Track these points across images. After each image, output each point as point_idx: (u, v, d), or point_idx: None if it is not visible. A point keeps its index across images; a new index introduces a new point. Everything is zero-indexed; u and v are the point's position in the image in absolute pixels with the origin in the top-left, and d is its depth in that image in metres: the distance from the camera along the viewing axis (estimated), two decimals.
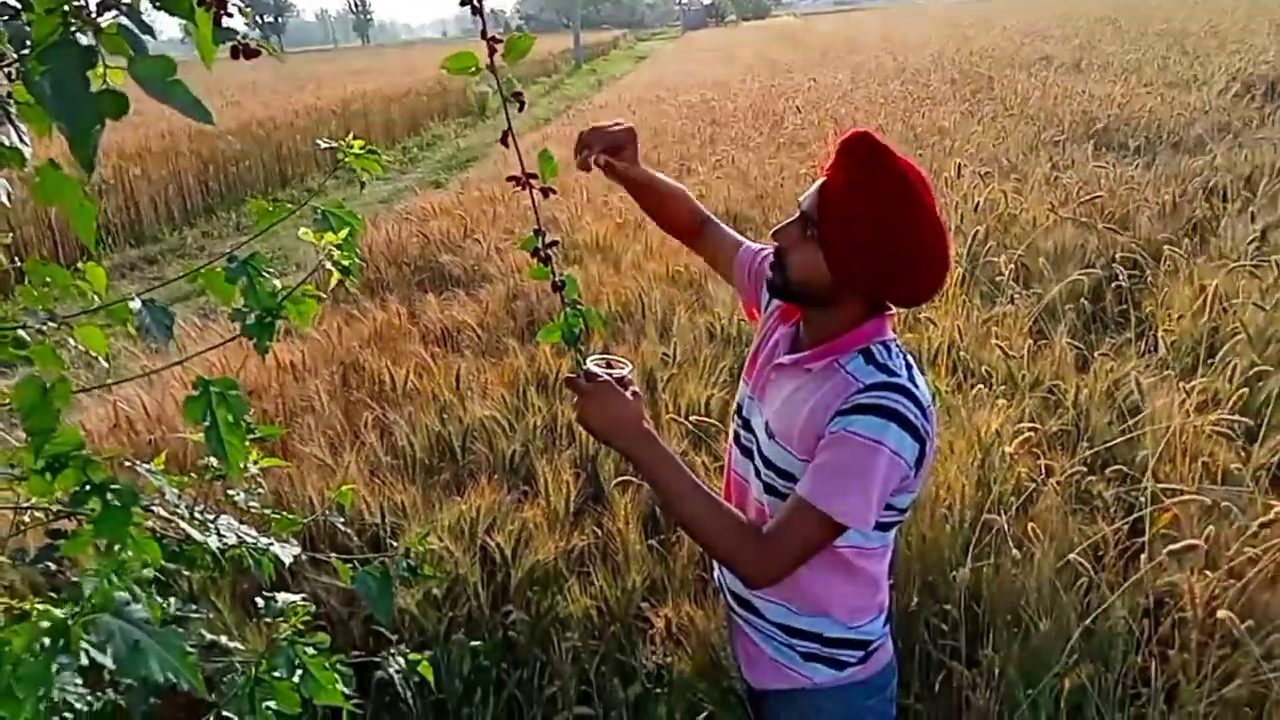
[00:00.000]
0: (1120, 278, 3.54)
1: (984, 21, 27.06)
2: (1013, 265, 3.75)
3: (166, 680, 0.83)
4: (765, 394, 1.37)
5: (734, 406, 1.50)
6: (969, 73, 12.16)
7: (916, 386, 1.22)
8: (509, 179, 1.24)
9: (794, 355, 1.32)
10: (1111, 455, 2.46)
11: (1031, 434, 2.31)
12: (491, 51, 1.13)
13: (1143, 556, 1.93)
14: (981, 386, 2.74)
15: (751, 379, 1.43)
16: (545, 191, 1.23)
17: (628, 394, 1.31)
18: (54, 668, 0.79)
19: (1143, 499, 2.07)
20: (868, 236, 1.19)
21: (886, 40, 22.57)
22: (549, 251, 1.26)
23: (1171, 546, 1.76)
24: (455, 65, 1.15)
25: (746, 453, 1.42)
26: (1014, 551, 2.02)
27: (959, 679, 2.00)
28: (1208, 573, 1.86)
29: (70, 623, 0.82)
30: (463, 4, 1.15)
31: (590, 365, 1.33)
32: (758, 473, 1.36)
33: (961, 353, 3.04)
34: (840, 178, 1.22)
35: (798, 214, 1.27)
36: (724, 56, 24.43)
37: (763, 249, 1.53)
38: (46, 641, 0.80)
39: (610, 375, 1.31)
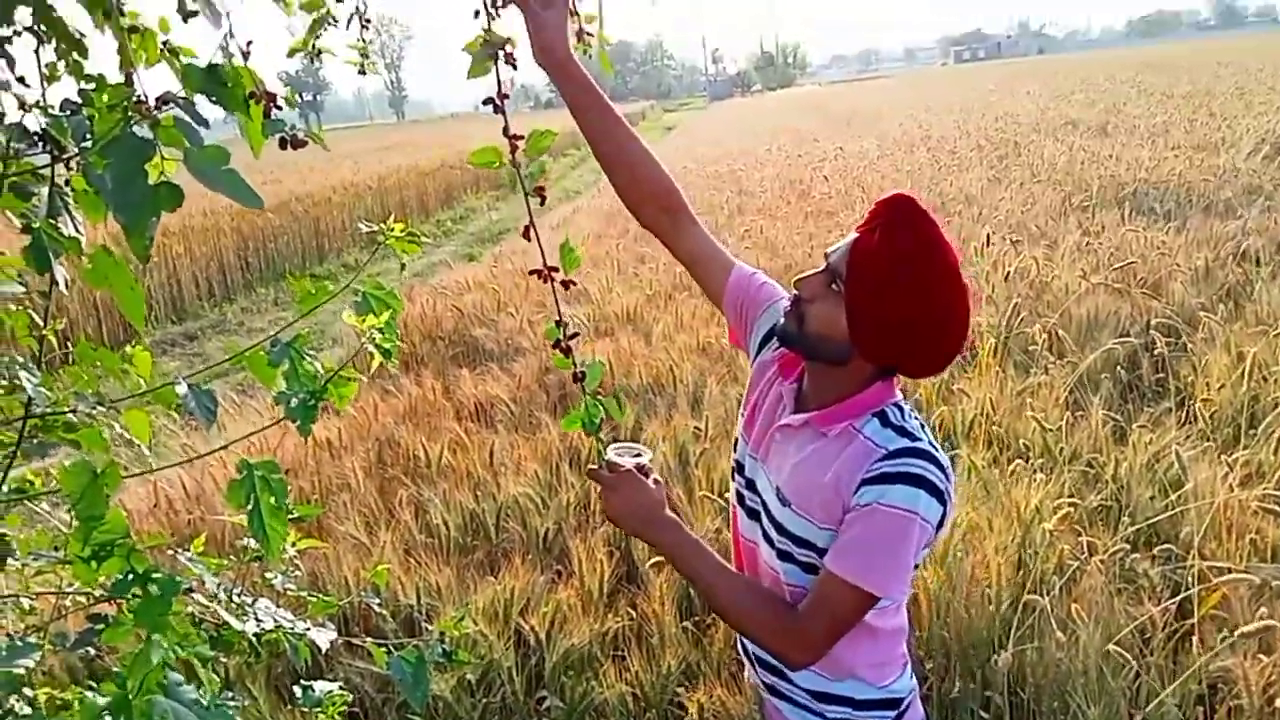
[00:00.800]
0: (1156, 345, 3.50)
1: (1006, 86, 27.33)
2: (1046, 334, 3.73)
3: None
4: (769, 455, 1.33)
5: (732, 463, 1.45)
6: (994, 138, 12.25)
7: (936, 449, 1.20)
8: (531, 272, 1.27)
9: (801, 415, 1.28)
10: (1155, 531, 2.41)
11: (1071, 510, 2.27)
12: (513, 149, 1.18)
13: (1194, 639, 1.87)
14: (1018, 460, 2.70)
15: (752, 437, 1.38)
16: (566, 284, 1.26)
17: (649, 482, 1.31)
18: None
19: (1189, 578, 2.02)
20: (896, 315, 1.16)
21: (910, 107, 22.85)
22: (569, 344, 1.29)
23: (1232, 636, 1.70)
24: (479, 160, 1.20)
25: (753, 515, 1.38)
26: (1058, 634, 1.97)
27: None
28: (1262, 657, 1.80)
29: (131, 698, 0.83)
30: (485, 103, 1.20)
31: (611, 455, 1.33)
32: (768, 538, 1.33)
33: (995, 425, 3.01)
34: (875, 241, 1.17)
35: (824, 267, 1.23)
36: (750, 126, 24.84)
37: (755, 274, 1.46)
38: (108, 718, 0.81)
39: (632, 464, 1.32)
